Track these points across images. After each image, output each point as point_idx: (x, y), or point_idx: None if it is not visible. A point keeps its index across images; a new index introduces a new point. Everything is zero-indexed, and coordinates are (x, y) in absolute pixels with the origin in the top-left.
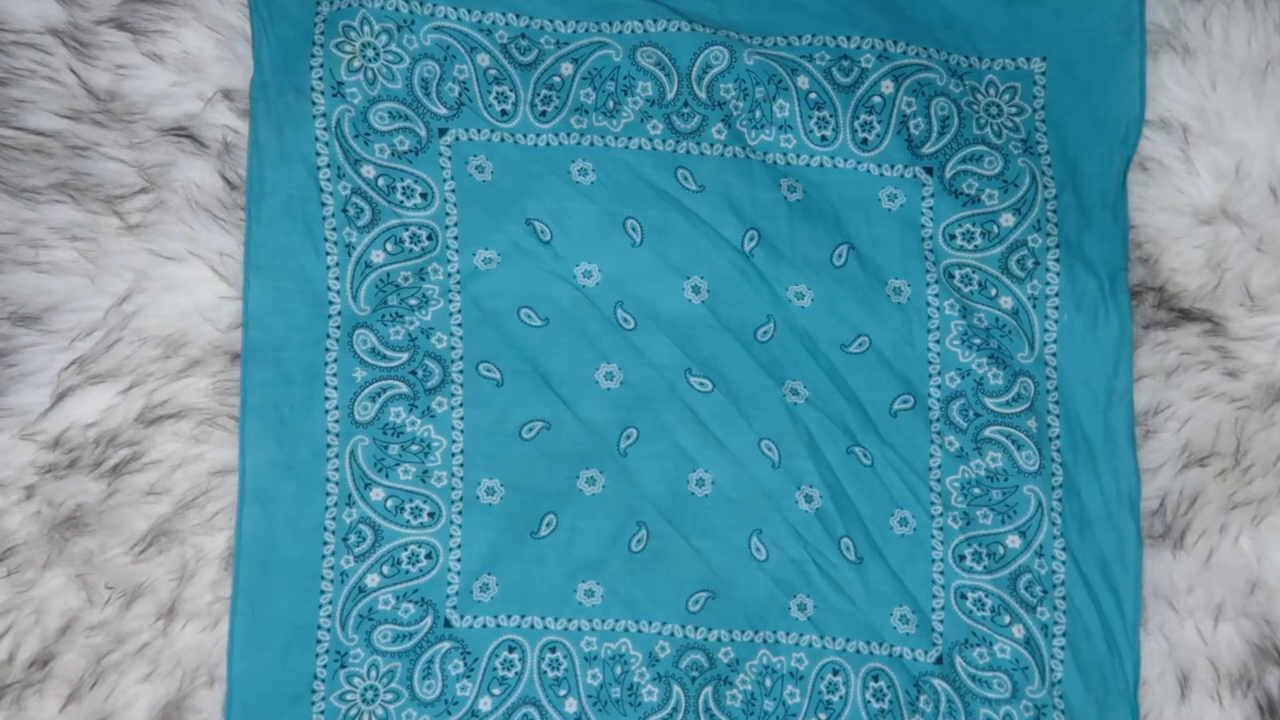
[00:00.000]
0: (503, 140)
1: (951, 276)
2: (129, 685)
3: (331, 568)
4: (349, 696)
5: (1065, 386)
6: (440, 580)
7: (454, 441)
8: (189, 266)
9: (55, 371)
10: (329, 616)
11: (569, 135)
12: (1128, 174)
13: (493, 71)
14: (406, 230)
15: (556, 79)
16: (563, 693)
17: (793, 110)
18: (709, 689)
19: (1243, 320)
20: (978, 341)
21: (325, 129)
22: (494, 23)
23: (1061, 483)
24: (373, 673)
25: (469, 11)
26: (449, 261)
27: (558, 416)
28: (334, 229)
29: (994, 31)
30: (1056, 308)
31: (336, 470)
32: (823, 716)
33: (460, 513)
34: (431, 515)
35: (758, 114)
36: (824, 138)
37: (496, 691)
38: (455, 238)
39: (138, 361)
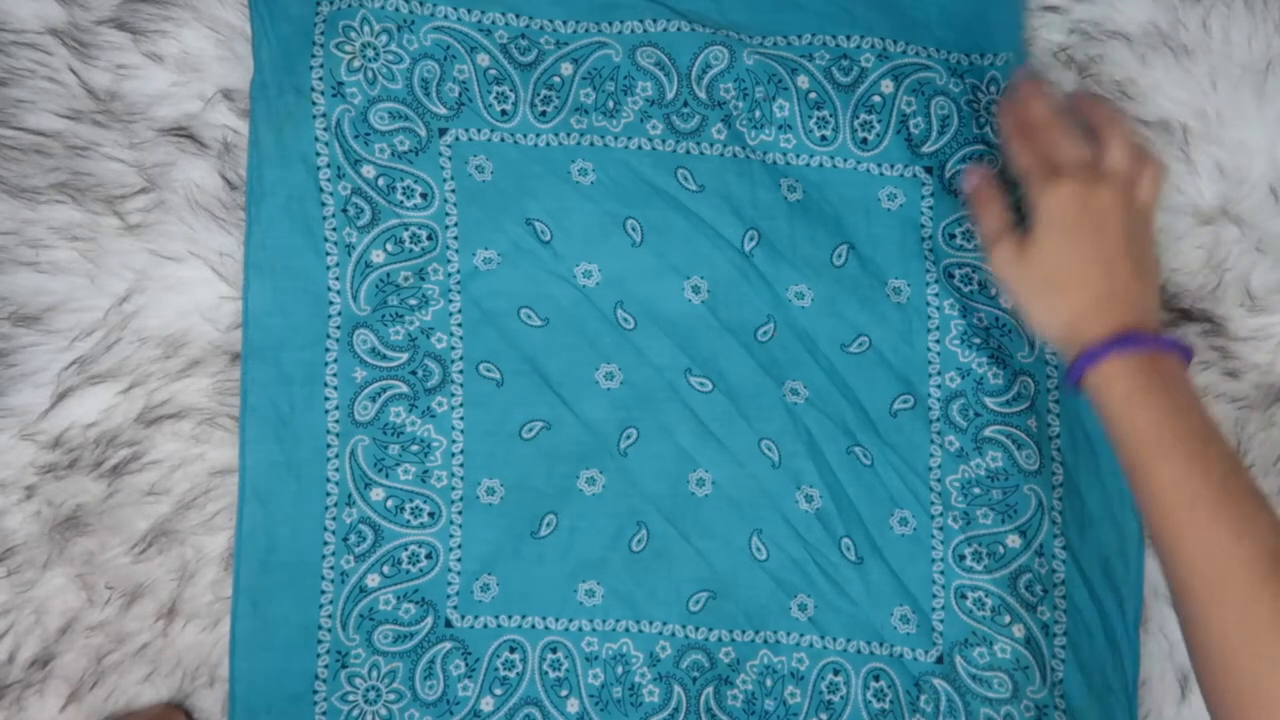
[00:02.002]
0: (503, 140)
1: (951, 276)
2: (129, 685)
3: (332, 568)
4: (351, 697)
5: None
6: (440, 580)
7: (454, 441)
8: (189, 266)
9: (55, 371)
10: (330, 616)
11: (569, 135)
12: None
13: (493, 72)
14: (406, 230)
15: (556, 79)
16: (564, 693)
17: (793, 110)
18: (710, 689)
19: (1243, 320)
20: (978, 341)
21: (325, 129)
22: (494, 23)
23: (1062, 481)
24: (374, 673)
25: (469, 11)
26: (449, 261)
27: (558, 416)
28: (334, 229)
29: (994, 26)
30: None
31: (336, 470)
32: (824, 716)
33: (460, 513)
34: (432, 515)
35: (757, 114)
36: (824, 137)
37: (498, 692)
38: (455, 238)
39: (138, 361)
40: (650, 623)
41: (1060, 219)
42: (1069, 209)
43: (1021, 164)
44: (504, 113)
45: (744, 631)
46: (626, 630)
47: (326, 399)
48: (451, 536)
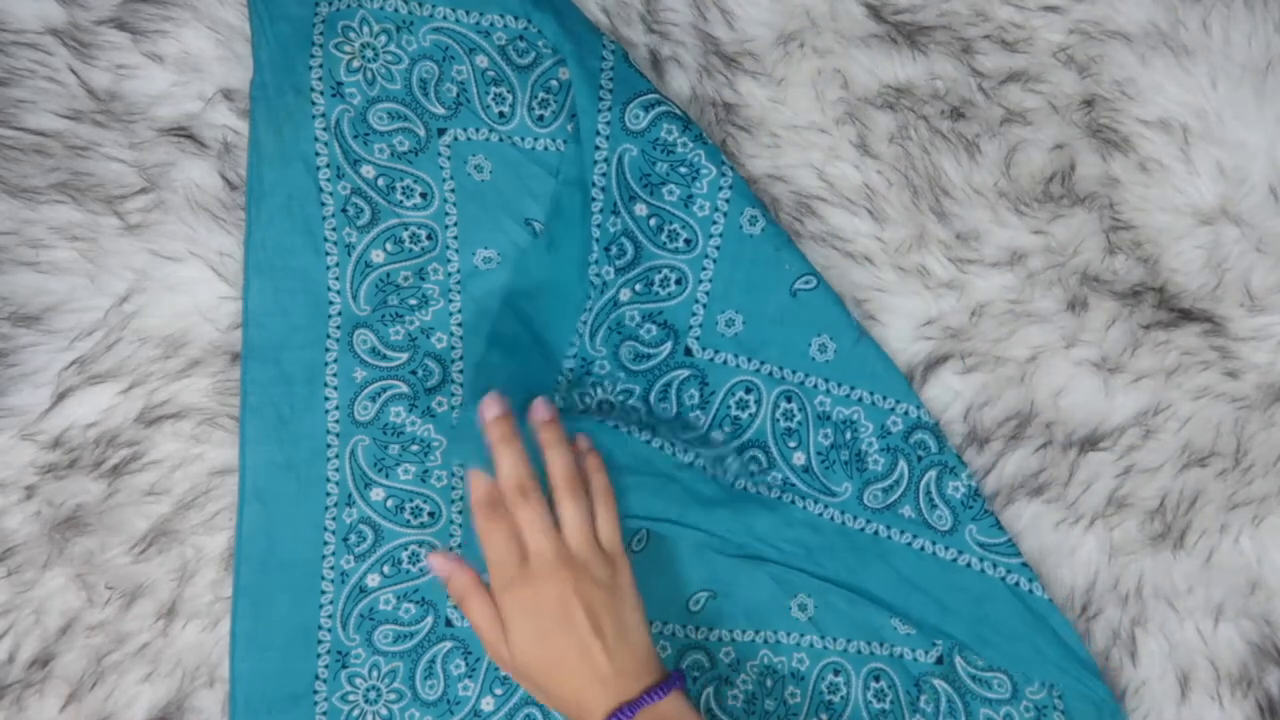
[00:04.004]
0: (501, 140)
1: None
2: (129, 685)
3: (332, 568)
4: (351, 697)
5: None
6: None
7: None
8: (189, 266)
9: (55, 371)
10: (330, 616)
11: (564, 142)
12: None
13: (491, 73)
14: (406, 230)
15: (554, 82)
16: None
17: None
18: (710, 689)
19: (1243, 320)
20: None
21: (325, 129)
22: (492, 24)
23: None
24: (374, 673)
25: (467, 13)
26: (449, 261)
27: None
28: (334, 229)
29: None
30: None
31: (336, 470)
32: (824, 717)
33: (460, 512)
34: (431, 515)
35: None
36: None
37: (499, 692)
38: (455, 237)
39: (138, 361)
40: (650, 622)
41: (522, 624)
42: (527, 611)
43: (485, 552)
44: (501, 114)
45: (744, 631)
46: None
47: (326, 399)
48: (452, 536)
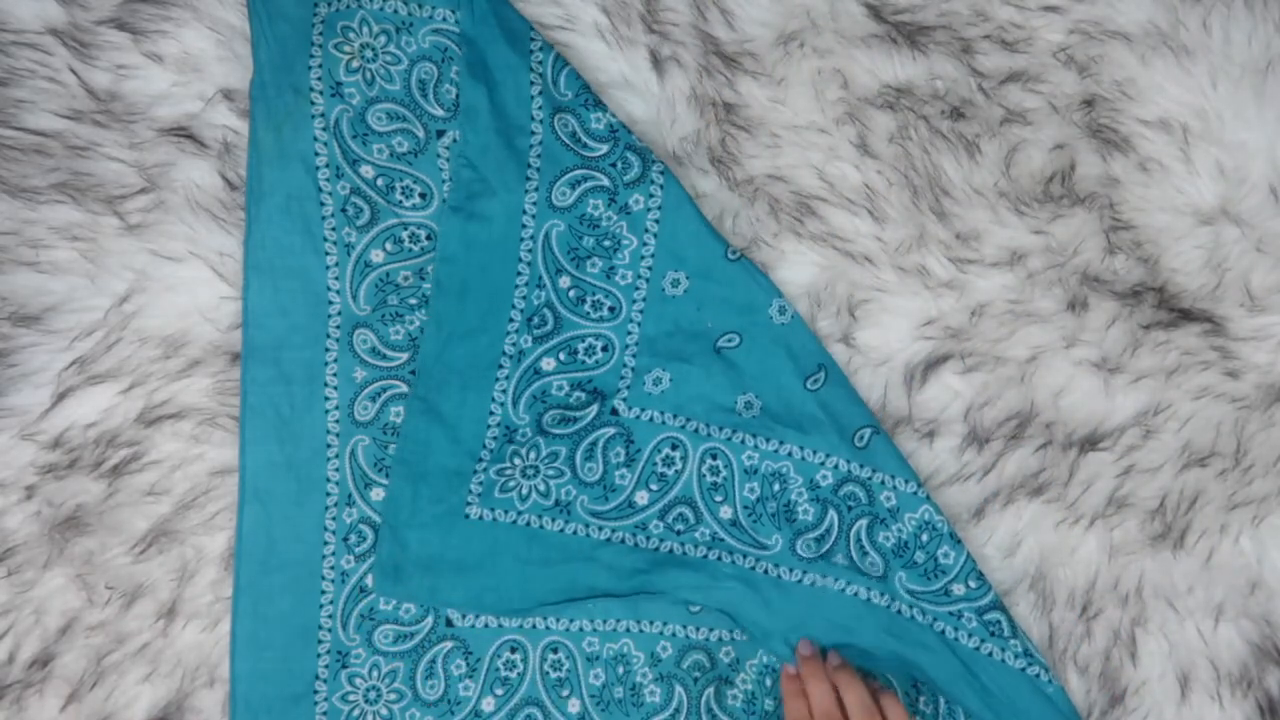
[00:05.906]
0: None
1: None
2: (129, 685)
3: (332, 567)
4: (351, 697)
5: None
6: None
7: None
8: (189, 266)
9: (55, 371)
10: (330, 616)
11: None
12: None
13: None
14: (405, 230)
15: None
16: (565, 693)
17: None
18: (711, 689)
19: (1243, 320)
20: None
21: (324, 129)
22: None
23: None
24: (374, 673)
25: None
26: None
27: None
28: (333, 229)
29: None
30: None
31: (337, 470)
32: None
33: None
34: None
35: None
36: None
37: (499, 692)
38: None
39: (138, 361)
40: (651, 623)
41: None
42: None
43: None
44: None
45: (744, 631)
46: (627, 630)
47: (326, 399)
48: None
